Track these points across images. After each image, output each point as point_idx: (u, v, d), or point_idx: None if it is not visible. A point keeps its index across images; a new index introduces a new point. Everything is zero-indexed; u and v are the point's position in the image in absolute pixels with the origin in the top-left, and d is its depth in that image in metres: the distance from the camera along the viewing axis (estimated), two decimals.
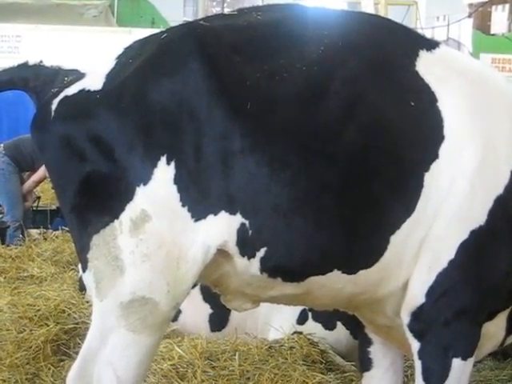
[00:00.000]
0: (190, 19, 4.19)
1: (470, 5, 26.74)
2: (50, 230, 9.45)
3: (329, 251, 3.11)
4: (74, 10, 21.83)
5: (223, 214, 3.01)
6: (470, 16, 25.55)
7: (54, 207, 10.14)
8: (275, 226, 3.04)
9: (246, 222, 3.02)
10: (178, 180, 2.99)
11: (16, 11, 20.31)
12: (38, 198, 10.44)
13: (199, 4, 27.76)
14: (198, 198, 2.99)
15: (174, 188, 2.99)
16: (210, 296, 5.50)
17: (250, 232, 3.03)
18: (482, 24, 27.02)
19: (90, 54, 14.30)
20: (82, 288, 6.32)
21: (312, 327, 5.56)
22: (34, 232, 9.57)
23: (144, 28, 17.81)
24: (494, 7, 26.80)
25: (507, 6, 26.44)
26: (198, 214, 3.00)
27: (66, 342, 5.26)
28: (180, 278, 3.02)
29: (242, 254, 3.06)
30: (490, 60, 21.67)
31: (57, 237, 8.96)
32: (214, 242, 3.02)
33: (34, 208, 10.33)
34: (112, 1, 22.97)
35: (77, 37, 17.59)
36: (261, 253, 3.06)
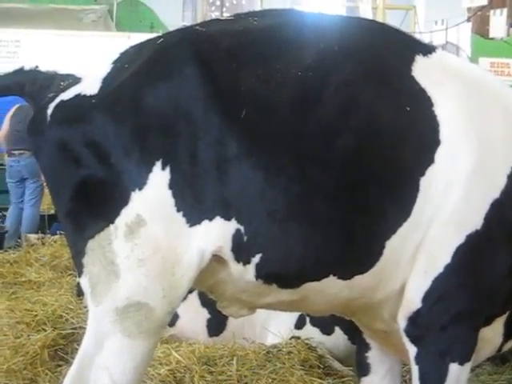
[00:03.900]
0: (189, 24, 4.18)
1: (469, 9, 26.68)
2: (48, 235, 9.44)
3: (324, 257, 3.10)
4: (73, 15, 21.80)
5: (218, 220, 3.00)
6: (468, 20, 25.50)
7: (52, 212, 10.13)
8: (270, 231, 3.03)
9: (241, 228, 3.01)
10: (173, 185, 2.98)
11: (15, 16, 20.27)
12: None
13: (198, 9, 27.74)
14: (193, 203, 2.99)
15: (169, 193, 2.99)
16: (208, 301, 5.49)
17: (245, 238, 3.02)
18: (481, 28, 26.96)
19: (90, 58, 14.28)
20: (80, 293, 6.32)
21: (310, 332, 5.56)
22: (32, 237, 9.57)
23: (143, 33, 17.78)
24: (492, 11, 26.74)
25: (506, 10, 26.41)
26: (193, 219, 2.99)
27: (63, 348, 5.26)
28: (175, 283, 3.02)
29: (237, 259, 3.06)
30: (489, 64, 21.62)
31: (55, 241, 8.96)
32: (209, 247, 3.01)
33: None
34: (111, 6, 22.95)
35: (76, 41, 17.54)
36: (256, 259, 3.05)
